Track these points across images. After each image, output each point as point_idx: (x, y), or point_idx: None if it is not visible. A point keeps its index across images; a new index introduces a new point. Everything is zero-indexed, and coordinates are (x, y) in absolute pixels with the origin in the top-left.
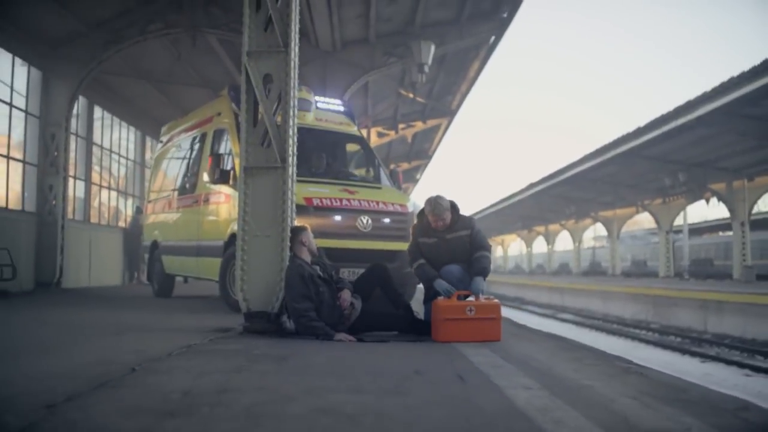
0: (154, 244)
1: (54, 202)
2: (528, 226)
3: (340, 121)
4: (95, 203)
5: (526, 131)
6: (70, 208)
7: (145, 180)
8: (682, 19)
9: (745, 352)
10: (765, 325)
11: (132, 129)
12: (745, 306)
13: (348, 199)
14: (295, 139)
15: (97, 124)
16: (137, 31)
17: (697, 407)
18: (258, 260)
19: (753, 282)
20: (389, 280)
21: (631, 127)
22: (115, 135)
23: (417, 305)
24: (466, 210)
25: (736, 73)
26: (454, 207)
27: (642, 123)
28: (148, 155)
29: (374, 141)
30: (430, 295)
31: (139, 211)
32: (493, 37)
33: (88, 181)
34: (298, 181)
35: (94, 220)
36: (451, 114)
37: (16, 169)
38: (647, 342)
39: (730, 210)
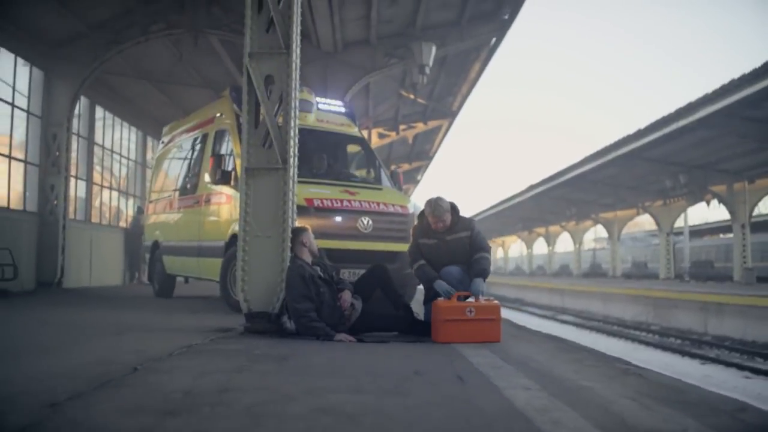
0: (155, 245)
1: (55, 202)
2: (528, 227)
3: (341, 122)
4: (96, 203)
5: (526, 132)
6: (71, 208)
7: (146, 180)
8: (683, 20)
9: (745, 354)
10: (765, 327)
11: (133, 129)
12: (745, 308)
13: (349, 200)
14: (297, 140)
15: (98, 124)
16: (139, 31)
17: (695, 408)
18: (259, 261)
19: (753, 284)
20: (389, 281)
21: (631, 128)
22: (116, 135)
23: (417, 306)
24: (467, 211)
25: (736, 73)
26: (454, 208)
27: (642, 124)
28: (149, 155)
29: (375, 142)
30: (430, 296)
31: (140, 211)
32: (494, 39)
33: (89, 181)
34: (299, 182)
35: (95, 220)
36: (452, 115)
37: (18, 169)
38: (647, 344)
39: (731, 212)
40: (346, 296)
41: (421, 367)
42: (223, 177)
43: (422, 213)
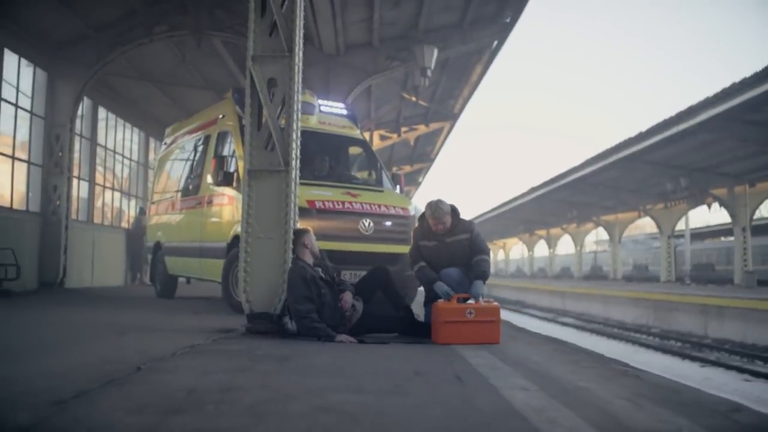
0: (157, 245)
1: (58, 203)
2: (530, 229)
3: (343, 124)
4: (99, 204)
5: (527, 135)
6: (73, 209)
7: (148, 181)
8: (683, 21)
9: (745, 357)
10: (765, 330)
11: (136, 130)
12: (745, 311)
13: (350, 202)
14: (299, 143)
15: (101, 125)
16: (142, 33)
17: (690, 409)
18: (261, 262)
19: (754, 287)
20: (390, 282)
21: (632, 131)
22: (119, 136)
23: (417, 308)
24: (468, 214)
25: (737, 76)
26: (454, 211)
27: (644, 127)
28: (151, 156)
29: (377, 144)
30: (430, 298)
31: (142, 212)
32: (495, 42)
33: (91, 182)
34: (301, 183)
35: (97, 220)
36: (453, 117)
37: (21, 169)
38: (647, 346)
39: (732, 215)
40: (347, 297)
41: (420, 367)
42: (226, 178)
43: (423, 215)
